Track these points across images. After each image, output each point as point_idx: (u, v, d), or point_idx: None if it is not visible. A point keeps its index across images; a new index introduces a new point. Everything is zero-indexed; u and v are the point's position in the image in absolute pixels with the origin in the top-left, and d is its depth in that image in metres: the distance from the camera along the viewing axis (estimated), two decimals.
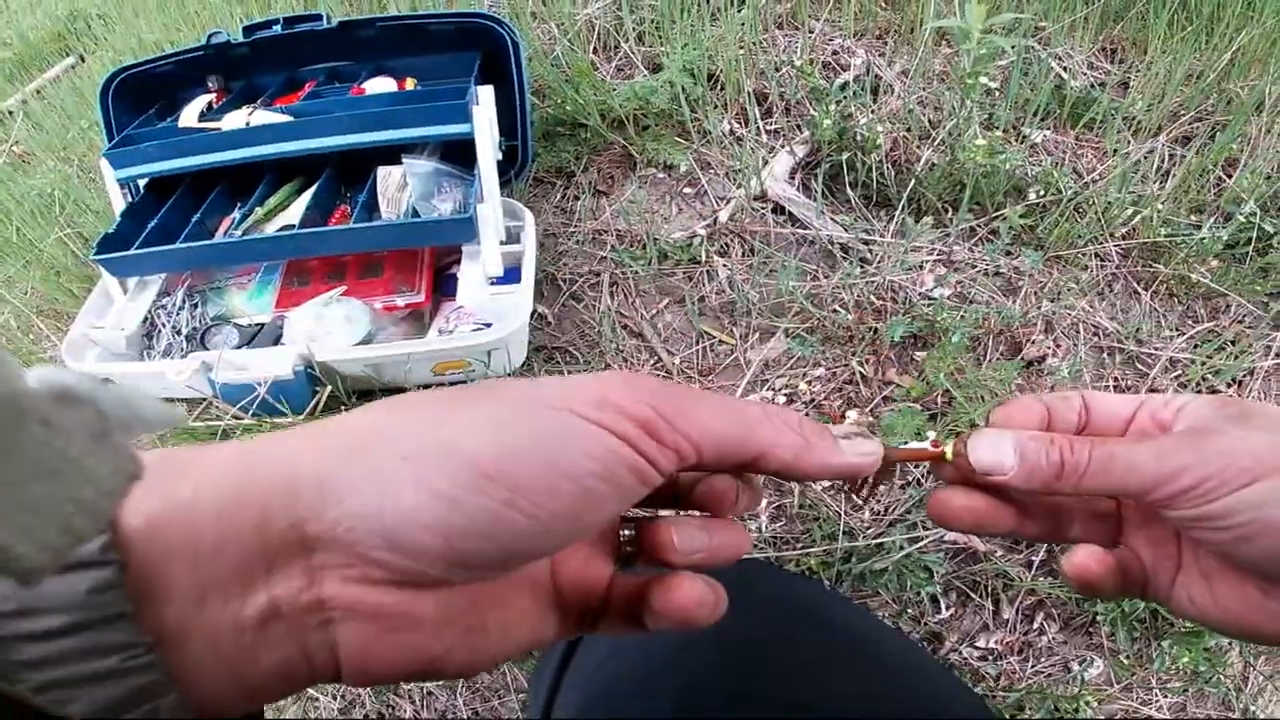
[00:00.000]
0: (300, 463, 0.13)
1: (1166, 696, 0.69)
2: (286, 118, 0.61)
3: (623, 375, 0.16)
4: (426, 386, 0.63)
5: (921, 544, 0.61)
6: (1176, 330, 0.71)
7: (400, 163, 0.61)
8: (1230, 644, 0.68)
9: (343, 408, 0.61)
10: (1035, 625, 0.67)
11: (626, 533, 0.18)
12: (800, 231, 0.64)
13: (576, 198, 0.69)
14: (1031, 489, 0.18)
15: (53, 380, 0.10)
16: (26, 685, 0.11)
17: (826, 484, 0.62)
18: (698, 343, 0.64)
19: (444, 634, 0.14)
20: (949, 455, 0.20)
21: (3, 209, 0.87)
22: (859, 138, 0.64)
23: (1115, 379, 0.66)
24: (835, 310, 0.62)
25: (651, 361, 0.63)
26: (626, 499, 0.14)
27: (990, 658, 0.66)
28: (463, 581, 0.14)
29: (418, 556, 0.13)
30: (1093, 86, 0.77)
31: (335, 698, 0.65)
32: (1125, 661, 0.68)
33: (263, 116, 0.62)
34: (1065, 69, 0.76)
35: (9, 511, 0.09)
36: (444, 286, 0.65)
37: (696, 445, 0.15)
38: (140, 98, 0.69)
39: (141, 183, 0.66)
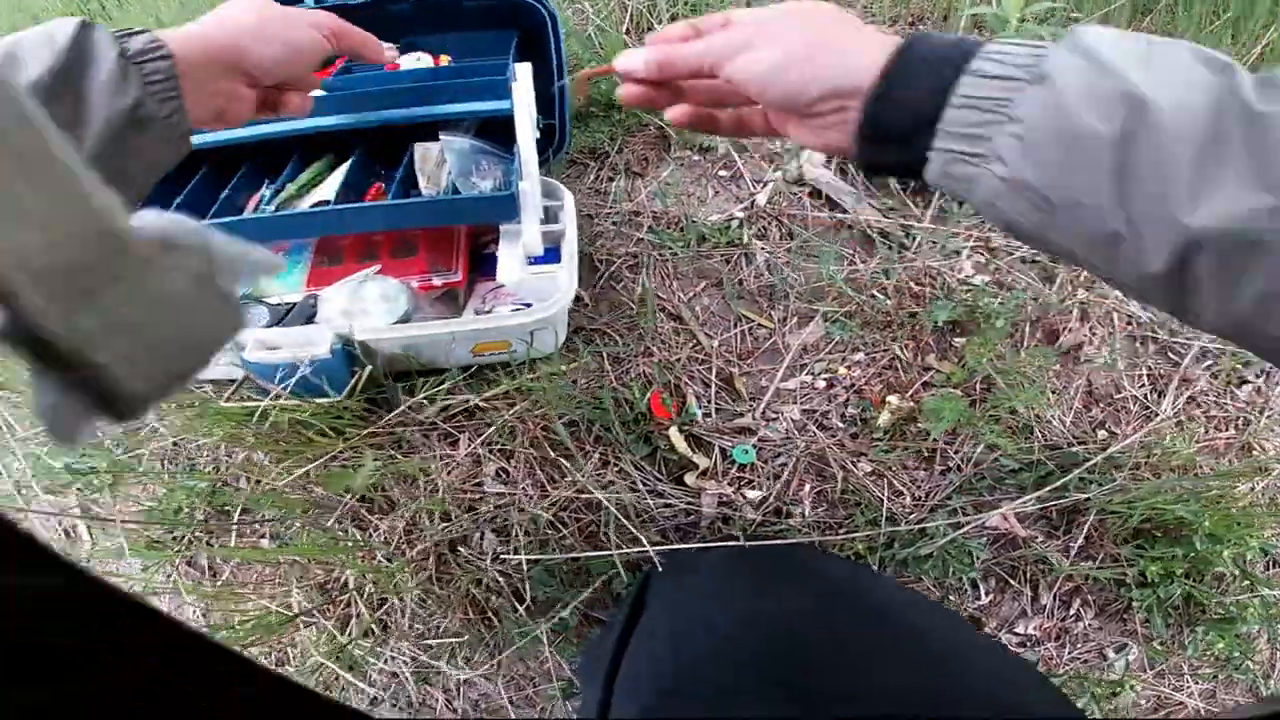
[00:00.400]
0: (227, 44, 0.37)
1: (1197, 683, 0.69)
2: (320, 92, 0.59)
3: (321, 13, 0.43)
4: (467, 368, 0.62)
5: (964, 530, 0.60)
6: None
7: (436, 140, 0.60)
8: (1259, 632, 0.68)
9: (381, 390, 0.60)
10: (1072, 611, 0.67)
11: None
12: (838, 216, 0.64)
13: (611, 179, 0.68)
14: (652, 78, 0.32)
15: (158, 227, 0.10)
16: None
17: (868, 470, 0.61)
18: (736, 325, 0.63)
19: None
20: (615, 67, 0.32)
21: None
22: None
23: (1148, 367, 0.66)
24: (874, 295, 0.61)
25: (690, 344, 0.62)
26: (317, 61, 0.42)
27: (1029, 644, 0.66)
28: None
29: (264, 74, 0.39)
30: None
31: (370, 684, 0.63)
32: (1159, 647, 0.68)
33: None
34: None
35: (114, 339, 0.09)
36: (479, 267, 0.64)
37: (345, 45, 0.45)
38: None
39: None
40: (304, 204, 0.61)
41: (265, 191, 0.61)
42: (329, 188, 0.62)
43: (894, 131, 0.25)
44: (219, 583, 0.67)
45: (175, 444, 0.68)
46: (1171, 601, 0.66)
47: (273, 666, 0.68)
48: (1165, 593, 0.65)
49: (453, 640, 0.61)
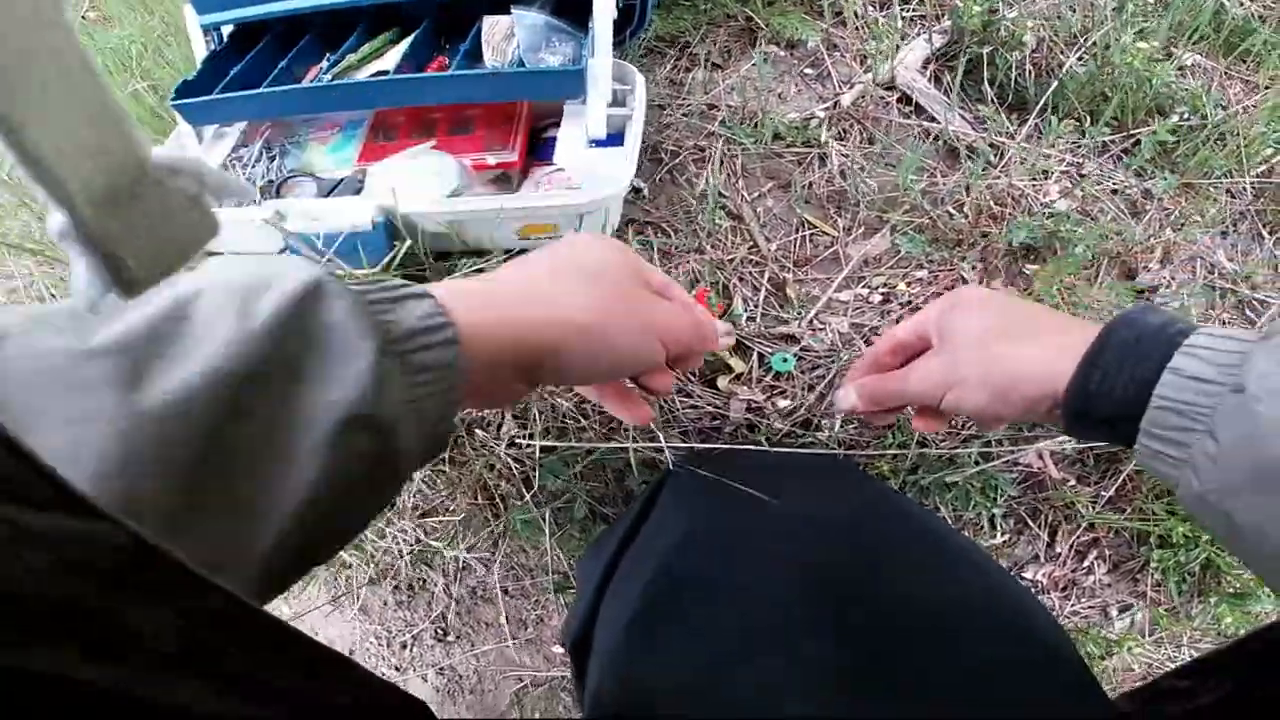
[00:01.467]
0: (531, 336, 0.24)
1: (1193, 655, 0.70)
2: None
3: (677, 315, 0.29)
4: (511, 252, 0.61)
5: (995, 463, 0.59)
6: None
7: (508, 13, 0.56)
8: (1272, 613, 0.67)
9: (422, 268, 0.59)
10: (1085, 564, 0.67)
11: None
12: (926, 124, 0.60)
13: (689, 70, 0.64)
14: (871, 408, 0.35)
15: (165, 155, 0.14)
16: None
17: None
18: (797, 230, 0.61)
19: None
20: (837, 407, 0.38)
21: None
22: (1004, 32, 0.59)
23: (1223, 321, 0.63)
24: (950, 211, 0.58)
25: (747, 245, 0.60)
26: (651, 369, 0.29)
27: (1034, 590, 0.66)
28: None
29: (582, 385, 0.34)
30: (1254, 17, 0.70)
31: (370, 562, 0.66)
32: (1164, 613, 0.68)
33: None
34: None
35: (131, 239, 0.13)
36: (538, 151, 0.62)
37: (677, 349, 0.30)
38: None
39: (226, 31, 0.62)
40: (362, 75, 0.59)
41: (325, 63, 0.60)
42: (390, 60, 0.59)
43: (1097, 421, 0.26)
44: None
45: None
46: (1190, 567, 0.66)
47: None
48: (1186, 556, 0.65)
49: (457, 521, 0.63)
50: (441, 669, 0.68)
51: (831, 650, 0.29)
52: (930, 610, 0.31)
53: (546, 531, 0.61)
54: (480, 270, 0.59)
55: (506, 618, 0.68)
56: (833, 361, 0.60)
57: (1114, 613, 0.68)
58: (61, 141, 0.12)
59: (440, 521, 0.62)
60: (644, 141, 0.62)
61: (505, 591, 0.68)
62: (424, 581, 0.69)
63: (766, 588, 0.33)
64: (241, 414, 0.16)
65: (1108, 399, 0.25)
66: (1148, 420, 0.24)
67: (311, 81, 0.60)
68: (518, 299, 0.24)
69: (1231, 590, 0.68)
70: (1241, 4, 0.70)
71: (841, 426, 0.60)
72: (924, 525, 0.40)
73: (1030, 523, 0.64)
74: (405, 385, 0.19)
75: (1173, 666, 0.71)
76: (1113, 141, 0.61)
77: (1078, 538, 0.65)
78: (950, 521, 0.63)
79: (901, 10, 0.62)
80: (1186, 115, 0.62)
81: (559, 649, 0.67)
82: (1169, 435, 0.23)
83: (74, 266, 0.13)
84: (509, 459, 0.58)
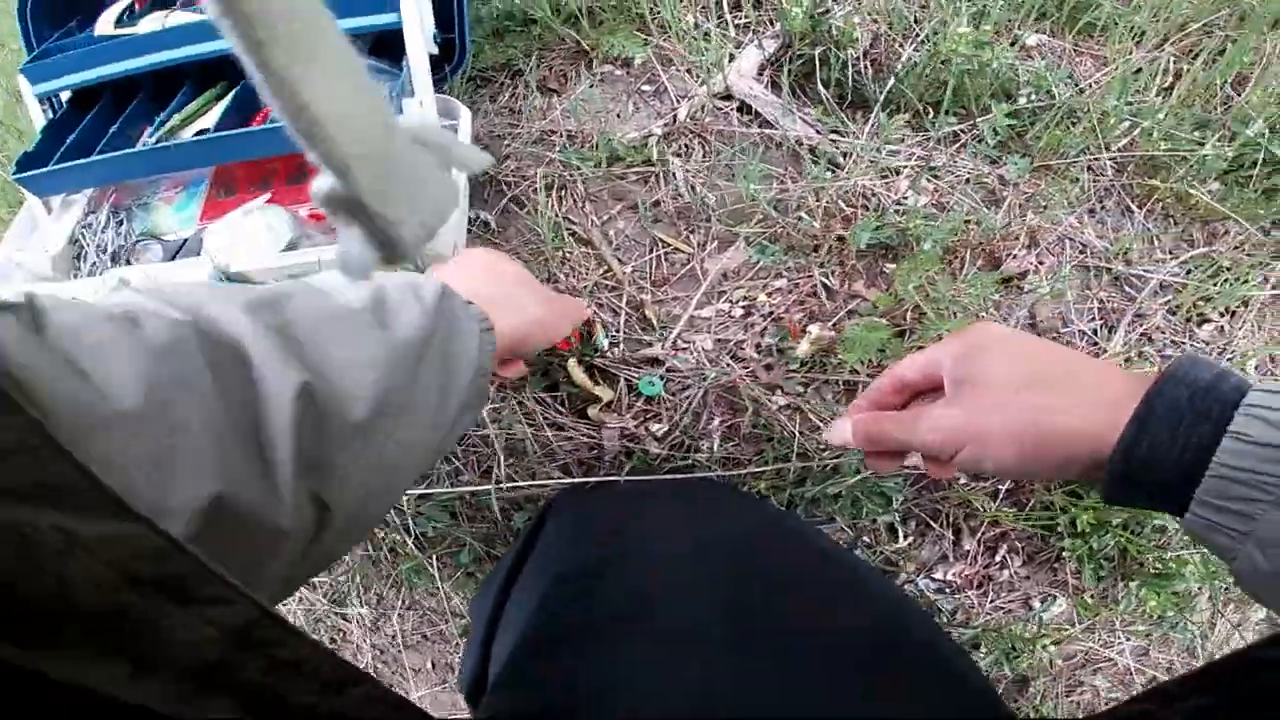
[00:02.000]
0: (519, 335, 0.37)
1: (1129, 640, 0.67)
2: (204, 17, 0.56)
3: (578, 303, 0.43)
4: None
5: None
6: (1170, 253, 0.66)
7: None
8: (1200, 590, 0.65)
9: None
10: (997, 559, 0.64)
11: None
12: (767, 132, 0.59)
13: (525, 97, 0.63)
14: (867, 447, 0.33)
15: (413, 125, 0.15)
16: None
17: (783, 403, 0.58)
18: (651, 250, 0.59)
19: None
20: (829, 441, 0.36)
21: None
22: (834, 31, 0.58)
23: (1100, 300, 0.62)
24: (801, 217, 0.57)
25: (600, 270, 0.59)
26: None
27: (948, 590, 0.64)
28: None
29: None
30: None
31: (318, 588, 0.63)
32: (1089, 601, 0.65)
33: (180, 18, 0.58)
34: None
35: (394, 201, 0.15)
36: None
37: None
38: (60, 11, 0.64)
39: (65, 96, 0.62)
40: (188, 134, 0.58)
41: (154, 124, 0.59)
42: (213, 116, 0.59)
43: (1145, 487, 0.24)
44: None
45: None
46: (1105, 553, 0.64)
47: None
48: (1098, 544, 0.63)
49: (355, 578, 0.60)
50: None
51: (696, 672, 0.29)
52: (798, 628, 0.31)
53: (438, 578, 0.59)
54: None
55: (432, 664, 0.65)
56: (702, 379, 0.58)
57: (1036, 604, 0.66)
58: (334, 103, 0.12)
59: (330, 580, 0.60)
60: (484, 173, 0.61)
61: (425, 637, 0.65)
62: (343, 634, 0.66)
63: (637, 616, 0.33)
64: (425, 359, 0.27)
65: (1159, 465, 0.23)
66: (1204, 490, 0.22)
67: (141, 144, 0.59)
68: (501, 308, 0.34)
69: (1154, 572, 0.66)
70: None
71: (720, 445, 0.58)
72: (807, 542, 0.41)
73: (932, 524, 0.62)
74: (487, 351, 0.31)
75: (1107, 653, 0.69)
76: (960, 131, 0.61)
77: (984, 534, 0.63)
78: (846, 530, 0.61)
79: (732, 18, 0.61)
80: (1033, 96, 0.61)
81: None
82: (1230, 506, 0.21)
83: (342, 236, 0.14)
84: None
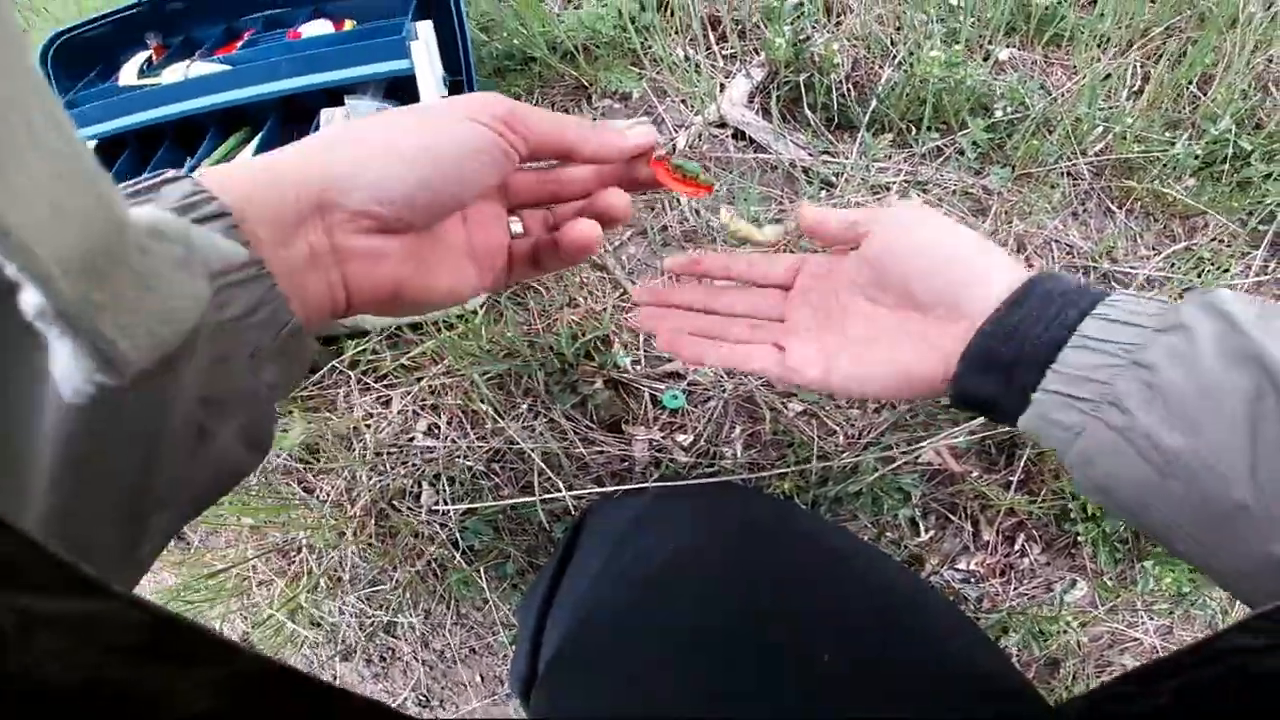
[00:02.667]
0: (309, 164, 0.21)
1: (1152, 619, 0.69)
2: (225, 67, 0.60)
3: (484, 94, 0.24)
4: (387, 328, 0.62)
5: (895, 466, 0.60)
6: (1153, 249, 0.70)
7: (343, 104, 0.60)
8: None
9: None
10: (1016, 547, 0.67)
11: (516, 225, 0.27)
12: (762, 156, 0.63)
13: None
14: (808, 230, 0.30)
15: (149, 218, 0.12)
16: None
17: (799, 410, 0.61)
18: (663, 273, 0.63)
19: (404, 266, 0.23)
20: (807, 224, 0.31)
21: None
22: (816, 58, 0.63)
23: None
24: (800, 235, 0.61)
25: (617, 294, 0.62)
26: (500, 168, 0.24)
27: (972, 580, 0.66)
28: (416, 227, 0.23)
29: (394, 205, 0.21)
30: (1058, 3, 0.75)
31: (341, 640, 0.65)
32: (1109, 584, 0.67)
33: (201, 68, 0.61)
34: None
35: (113, 311, 0.12)
36: None
37: (533, 135, 0.24)
38: (81, 61, 0.68)
39: (90, 145, 0.66)
40: None
41: (184, 170, 0.63)
42: (244, 158, 0.62)
43: (1002, 362, 0.24)
44: (190, 550, 0.69)
45: None
46: (1118, 535, 0.66)
47: (249, 629, 0.70)
48: (1110, 526, 0.65)
49: (405, 593, 0.63)
50: None
51: (721, 674, 0.29)
52: (832, 627, 0.31)
53: (486, 589, 0.61)
54: (363, 350, 0.61)
55: (481, 676, 0.67)
56: (721, 391, 0.61)
57: (1058, 589, 0.68)
58: (30, 205, 0.10)
59: (389, 592, 0.62)
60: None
61: (473, 650, 0.67)
62: (393, 651, 0.68)
63: (662, 616, 0.34)
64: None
65: (1020, 342, 0.23)
66: (1061, 362, 0.22)
67: None
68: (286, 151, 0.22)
69: (1168, 551, 0.68)
70: None
71: (744, 452, 0.61)
72: (821, 543, 0.41)
73: (951, 517, 0.65)
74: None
75: (1132, 632, 0.70)
76: (943, 145, 0.65)
77: (1001, 523, 0.66)
78: (869, 526, 0.63)
79: (719, 49, 0.66)
80: (1008, 108, 0.66)
81: None
82: (1085, 375, 0.22)
83: (55, 352, 0.12)
84: (437, 525, 0.58)
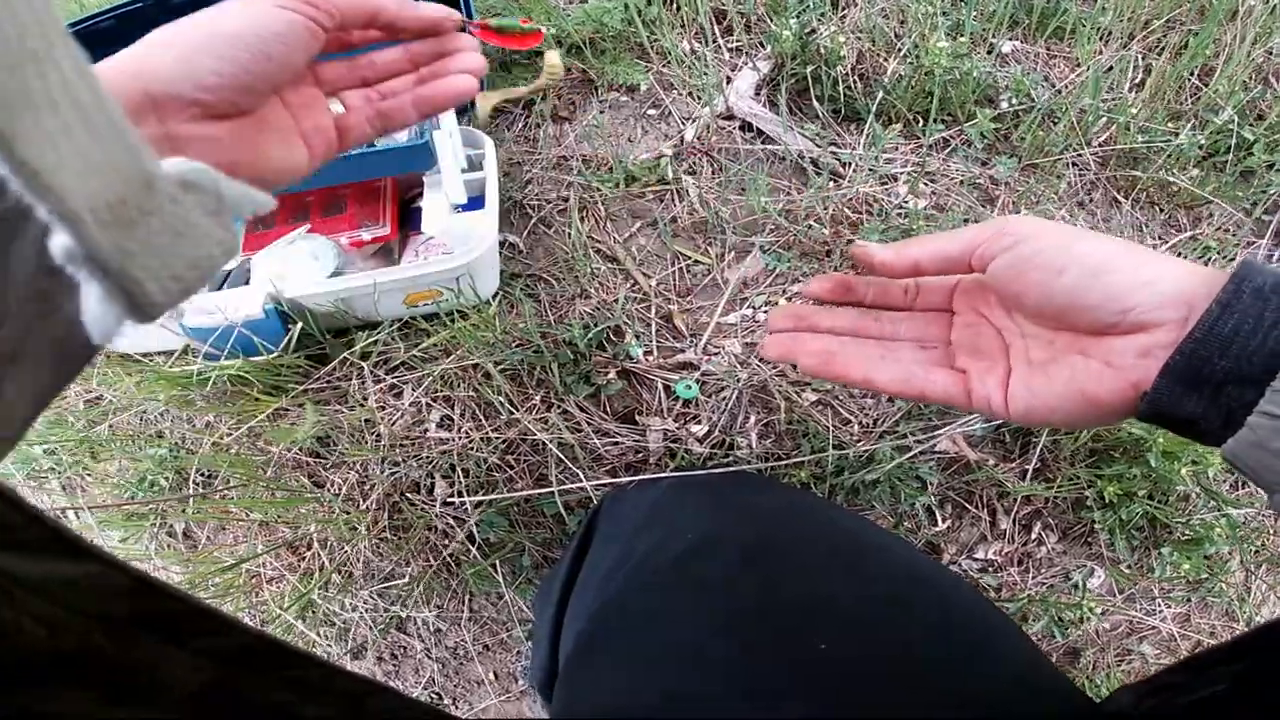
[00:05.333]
0: (140, 65, 0.23)
1: (1170, 606, 0.69)
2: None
3: None
4: (399, 320, 0.63)
5: (911, 455, 0.61)
6: (1159, 239, 0.72)
7: None
8: (1231, 553, 0.68)
9: (321, 346, 0.61)
10: (1034, 535, 0.67)
11: (337, 106, 0.29)
12: (769, 148, 0.65)
13: (538, 125, 0.69)
14: (892, 269, 0.28)
15: (179, 170, 0.13)
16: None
17: (813, 399, 0.62)
18: (673, 264, 0.64)
19: (237, 149, 0.25)
20: (864, 256, 0.29)
21: None
22: (822, 50, 0.65)
23: None
24: (810, 225, 0.62)
25: (628, 284, 0.63)
26: (307, 46, 0.25)
27: (990, 569, 0.66)
28: (241, 110, 0.25)
29: (215, 90, 0.23)
30: None
31: (350, 638, 0.65)
32: (1126, 571, 0.68)
33: None
34: None
35: (143, 257, 0.13)
36: (410, 221, 0.65)
37: (337, 7, 0.26)
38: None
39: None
40: None
41: None
42: None
43: (1213, 377, 0.21)
44: (197, 549, 0.69)
45: (141, 417, 0.70)
46: (1134, 523, 0.67)
47: (258, 626, 0.69)
48: (1127, 514, 0.66)
49: (415, 585, 0.63)
50: None
51: (746, 659, 0.29)
52: (855, 614, 0.31)
53: (501, 583, 0.61)
54: (375, 341, 0.61)
55: (495, 673, 0.67)
56: (735, 381, 0.62)
57: (1076, 577, 0.68)
58: (61, 152, 0.11)
59: (402, 587, 0.62)
60: (507, 199, 0.66)
61: (486, 647, 0.67)
62: (405, 649, 0.68)
63: (682, 603, 0.34)
64: None
65: (1233, 354, 0.20)
66: None
67: None
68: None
69: (1183, 538, 0.68)
70: None
71: (759, 442, 0.62)
72: (839, 528, 0.40)
73: (968, 505, 0.65)
74: None
75: (1150, 620, 0.71)
76: (950, 136, 0.66)
77: (1018, 512, 0.66)
78: (886, 516, 0.64)
79: (725, 41, 0.68)
80: (1013, 100, 0.67)
81: None
82: None
83: (85, 294, 0.12)
84: (450, 518, 0.58)
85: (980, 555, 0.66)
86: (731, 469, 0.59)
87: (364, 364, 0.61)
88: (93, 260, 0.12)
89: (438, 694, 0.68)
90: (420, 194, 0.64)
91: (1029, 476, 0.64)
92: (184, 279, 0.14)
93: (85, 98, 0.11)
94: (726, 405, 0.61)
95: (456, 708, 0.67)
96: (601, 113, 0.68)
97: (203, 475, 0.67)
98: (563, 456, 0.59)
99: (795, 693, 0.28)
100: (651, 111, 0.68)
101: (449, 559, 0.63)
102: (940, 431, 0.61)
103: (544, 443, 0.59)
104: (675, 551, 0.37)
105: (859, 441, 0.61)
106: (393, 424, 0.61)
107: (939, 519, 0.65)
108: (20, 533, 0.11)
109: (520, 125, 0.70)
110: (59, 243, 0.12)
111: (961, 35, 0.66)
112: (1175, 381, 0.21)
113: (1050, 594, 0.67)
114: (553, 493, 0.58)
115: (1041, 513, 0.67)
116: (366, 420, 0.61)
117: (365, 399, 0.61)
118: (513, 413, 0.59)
